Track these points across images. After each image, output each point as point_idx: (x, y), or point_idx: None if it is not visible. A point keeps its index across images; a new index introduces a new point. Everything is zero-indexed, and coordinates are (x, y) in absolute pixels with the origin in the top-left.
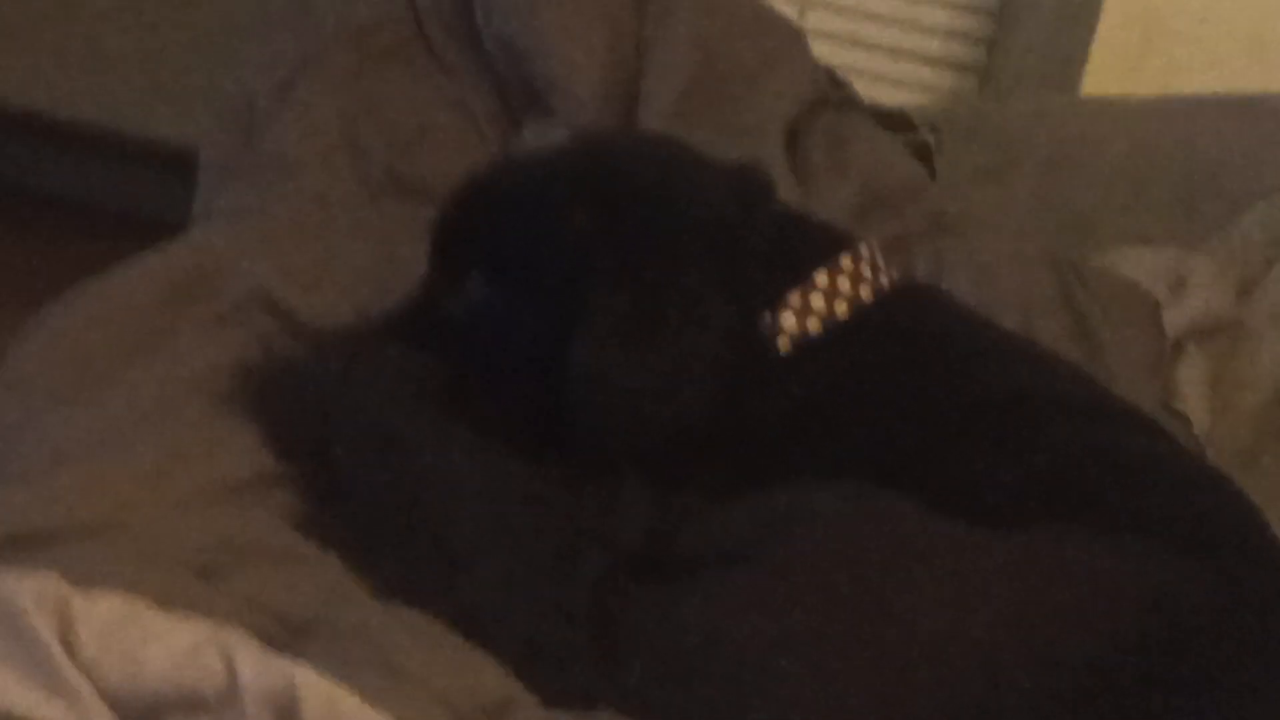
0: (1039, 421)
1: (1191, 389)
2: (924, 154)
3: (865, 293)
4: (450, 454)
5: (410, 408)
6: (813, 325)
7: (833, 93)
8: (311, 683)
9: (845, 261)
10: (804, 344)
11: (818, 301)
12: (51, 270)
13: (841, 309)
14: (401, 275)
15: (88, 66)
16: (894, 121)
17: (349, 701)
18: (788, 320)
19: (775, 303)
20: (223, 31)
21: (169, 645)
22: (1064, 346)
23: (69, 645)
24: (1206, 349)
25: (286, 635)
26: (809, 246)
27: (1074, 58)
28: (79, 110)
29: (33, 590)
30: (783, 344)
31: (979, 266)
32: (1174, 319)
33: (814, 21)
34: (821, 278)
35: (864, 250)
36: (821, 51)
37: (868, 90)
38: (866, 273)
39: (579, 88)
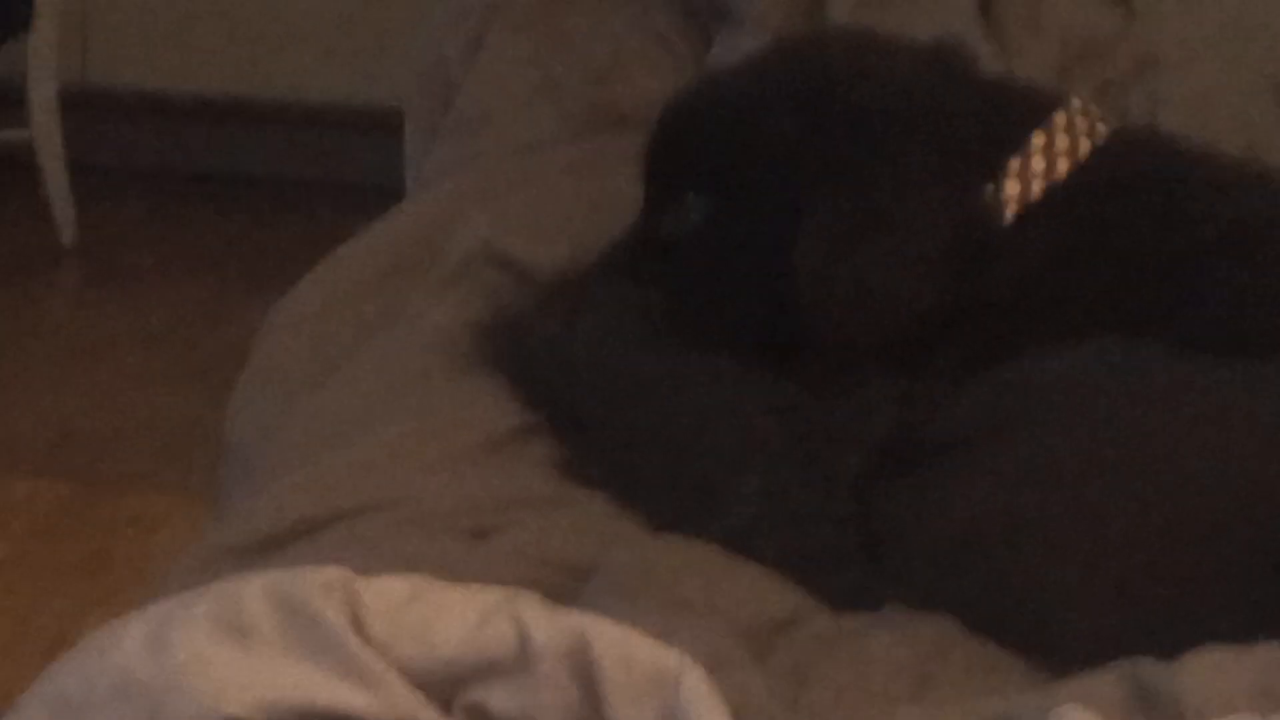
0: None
1: None
2: None
3: (1084, 147)
4: (688, 383)
5: (639, 345)
6: (1036, 188)
7: None
8: (602, 632)
9: (1059, 119)
10: (1029, 209)
11: (1038, 164)
12: (288, 250)
13: (1063, 167)
14: (619, 208)
15: (276, 45)
16: None
17: (642, 644)
18: (1011, 188)
19: (995, 173)
20: None
21: (459, 617)
22: None
23: (363, 632)
24: None
25: (571, 582)
26: (1019, 111)
27: None
28: (273, 89)
29: (320, 584)
30: (1010, 213)
31: (1194, 99)
32: None
33: None
34: (1038, 139)
35: (1075, 104)
36: None
37: None
38: (1082, 125)
39: None
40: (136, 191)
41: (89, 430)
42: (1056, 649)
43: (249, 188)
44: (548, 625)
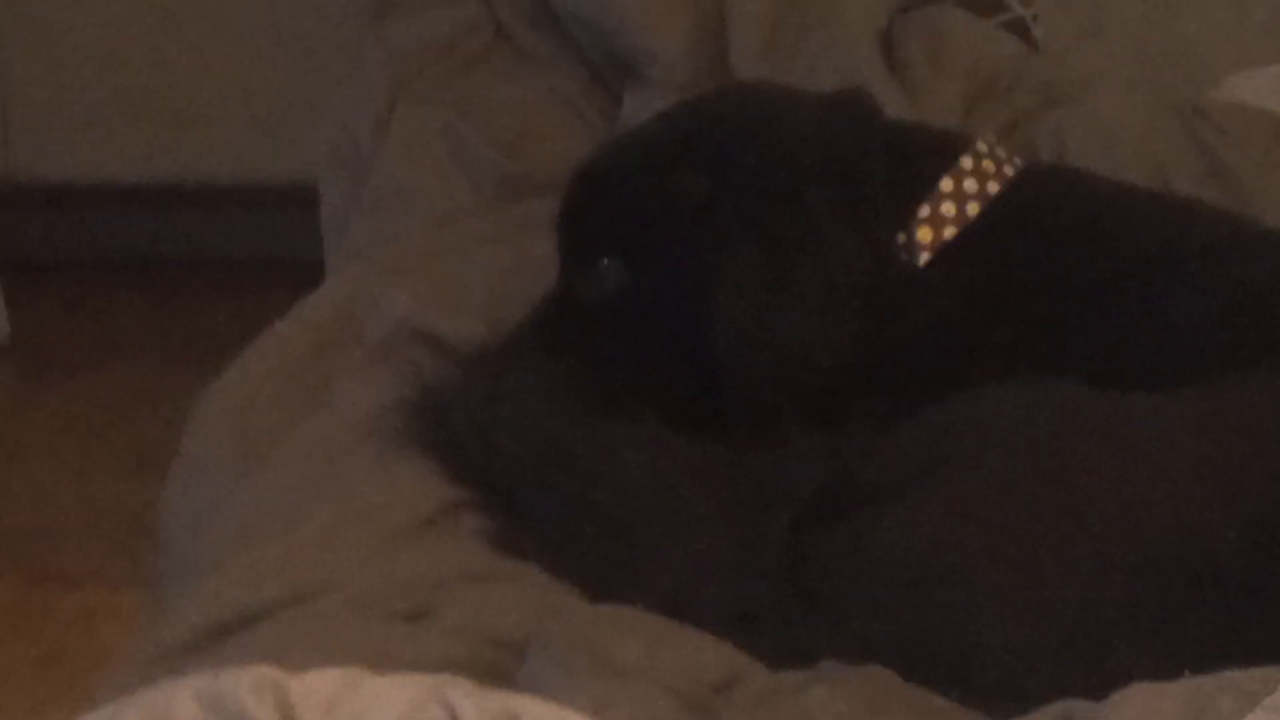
0: (1193, 268)
1: None
2: (1019, 30)
3: (993, 188)
4: (612, 451)
5: (560, 416)
6: (948, 233)
7: None
8: (534, 712)
9: (966, 162)
10: (942, 253)
11: (948, 208)
12: (220, 330)
13: (973, 209)
14: (538, 275)
15: (191, 128)
16: (984, 5)
17: None
18: (923, 234)
19: (906, 221)
20: (317, 65)
21: (390, 706)
22: (1201, 190)
23: None
24: None
25: (508, 658)
26: (926, 157)
27: None
28: (193, 172)
29: (249, 684)
30: (923, 259)
31: (1100, 130)
32: None
33: None
34: (946, 184)
35: (981, 146)
36: None
37: None
38: (990, 167)
39: (667, 51)
40: (64, 283)
41: (33, 527)
42: (990, 691)
43: (175, 272)
44: (478, 708)
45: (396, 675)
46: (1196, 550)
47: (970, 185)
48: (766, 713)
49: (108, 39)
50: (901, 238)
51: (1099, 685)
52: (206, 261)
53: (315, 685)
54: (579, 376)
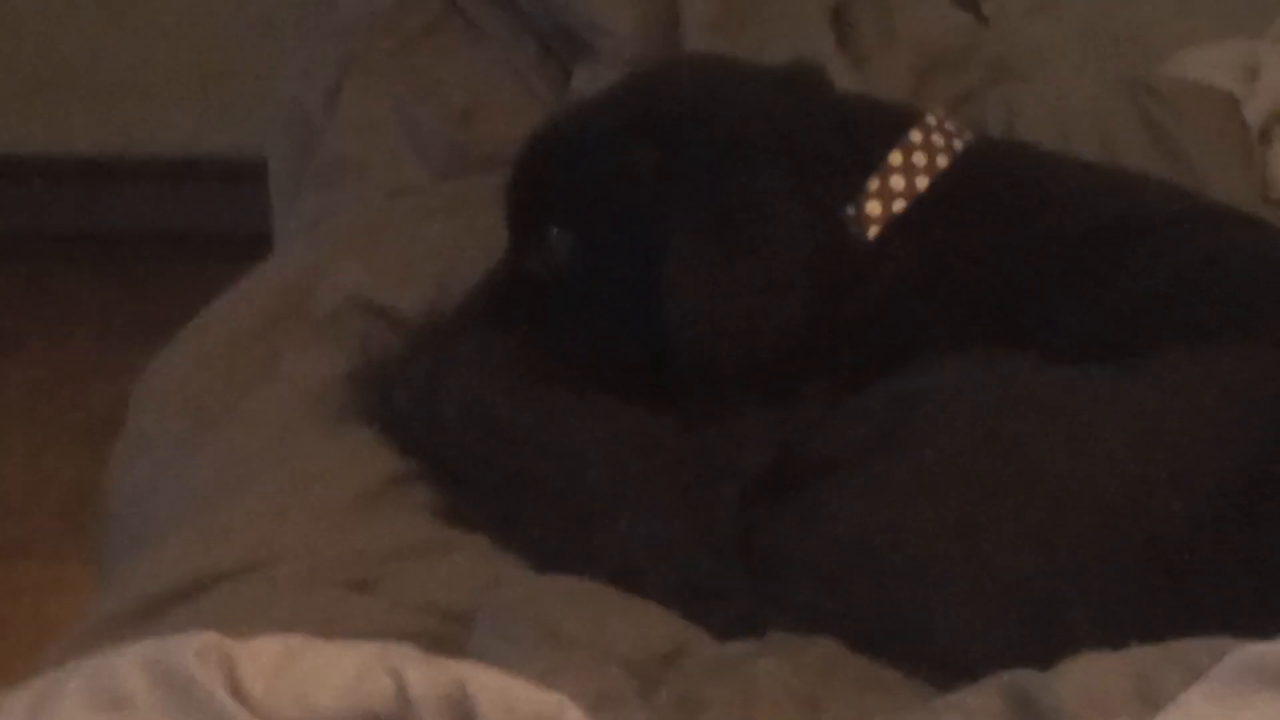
0: (1142, 242)
1: None
2: (970, 5)
3: (942, 161)
4: (558, 424)
5: (504, 390)
6: (897, 207)
7: None
8: (481, 680)
9: (915, 135)
10: (891, 227)
11: (898, 182)
12: (165, 304)
13: (922, 183)
14: (486, 247)
15: (136, 100)
16: None
17: (521, 689)
18: (872, 208)
19: (855, 194)
20: (264, 37)
21: (336, 673)
22: (1150, 165)
23: (240, 695)
24: None
25: (455, 628)
26: (876, 130)
27: None
28: (137, 144)
29: (195, 649)
30: (872, 233)
31: (1049, 104)
32: (1255, 109)
33: None
34: (895, 157)
35: (930, 120)
36: None
37: None
38: (939, 141)
39: (618, 23)
40: (8, 257)
41: None
42: (939, 661)
43: (121, 246)
44: (426, 676)
45: (344, 643)
46: (1144, 522)
47: (919, 159)
48: (714, 683)
49: (52, 9)
50: (851, 211)
51: (1047, 657)
52: (154, 235)
53: (261, 652)
54: (524, 349)
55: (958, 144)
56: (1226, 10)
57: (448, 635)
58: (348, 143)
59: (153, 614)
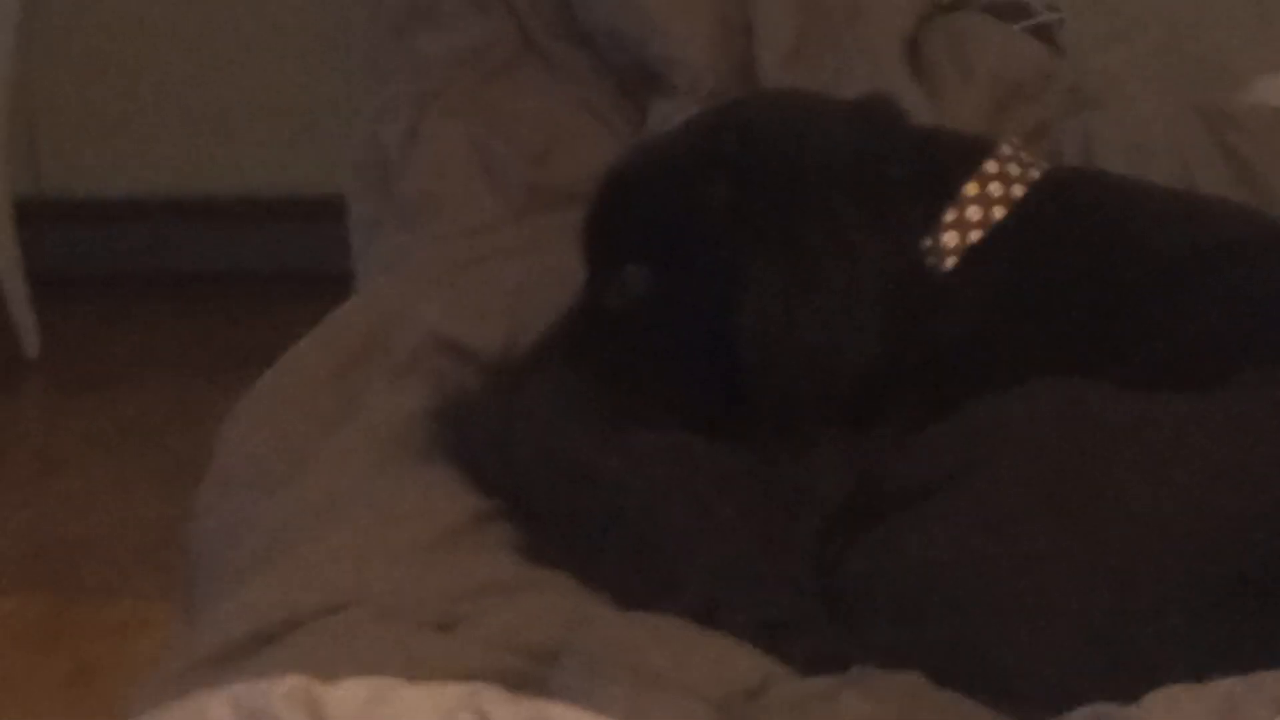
0: (1222, 271)
1: None
2: (1045, 35)
3: (1018, 191)
4: (635, 461)
5: (582, 427)
6: (974, 237)
7: None
8: (566, 717)
9: (990, 166)
10: (968, 257)
11: (974, 213)
12: (249, 343)
13: (999, 213)
14: (562, 285)
15: (220, 140)
16: (1010, 10)
17: None
18: (949, 239)
19: (931, 226)
20: (344, 75)
21: (422, 715)
22: (1228, 192)
23: None
24: None
25: (538, 668)
26: (951, 162)
27: None
28: (221, 185)
29: (283, 694)
30: (950, 264)
31: (1126, 133)
32: None
33: None
34: (971, 188)
35: (1006, 150)
36: None
37: None
38: (1014, 171)
39: (693, 58)
40: (95, 297)
41: (65, 540)
42: (1021, 697)
43: (205, 285)
44: (511, 714)
45: (428, 684)
46: (1226, 555)
47: (995, 189)
48: (798, 717)
49: (136, 51)
50: (928, 243)
51: (1131, 690)
52: (237, 275)
53: (348, 695)
54: (599, 386)
55: (1033, 174)
56: None
57: (532, 674)
58: (426, 181)
59: (239, 656)
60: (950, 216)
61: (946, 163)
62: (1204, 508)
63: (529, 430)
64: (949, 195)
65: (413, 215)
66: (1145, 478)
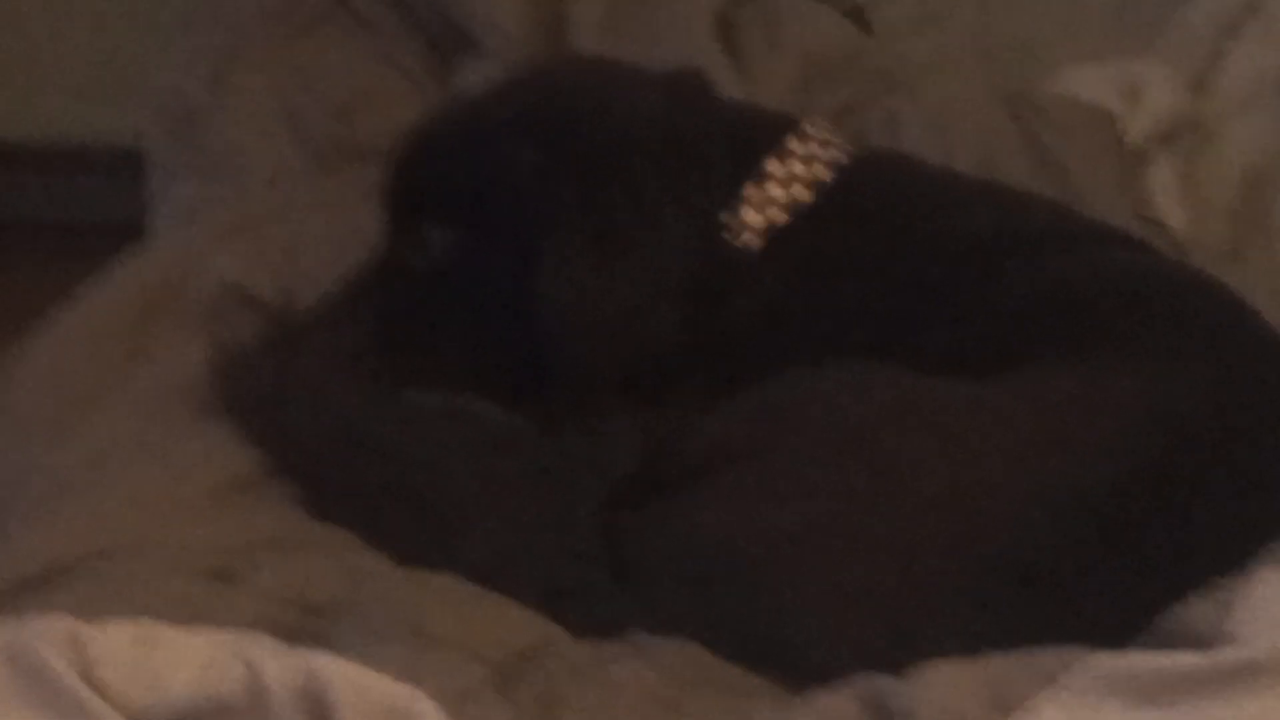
0: (1019, 257)
1: (1163, 194)
2: (858, 17)
3: (821, 171)
4: (416, 426)
5: (357, 387)
6: (775, 215)
7: None
8: (336, 670)
9: (793, 143)
10: (771, 236)
11: (775, 190)
12: (27, 296)
13: (801, 192)
14: (365, 241)
15: (6, 86)
16: None
17: (375, 680)
18: (750, 216)
19: (733, 201)
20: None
21: (188, 660)
22: (1030, 181)
23: (91, 680)
24: (1171, 152)
25: (313, 621)
26: (756, 137)
27: None
28: (16, 128)
29: (47, 634)
30: (749, 240)
31: (932, 117)
32: (1134, 128)
33: None
34: (773, 165)
35: (809, 128)
36: None
37: None
38: (818, 150)
39: (504, 21)
40: None
41: None
42: (797, 667)
43: None
44: (279, 665)
45: (198, 630)
46: (1008, 537)
47: (799, 169)
48: (575, 682)
49: None
50: (727, 218)
51: (907, 664)
52: (21, 222)
53: (113, 637)
54: (381, 346)
55: (840, 155)
56: (1113, 27)
57: (309, 628)
58: (229, 132)
59: (10, 600)
60: (750, 192)
61: (750, 138)
62: (989, 492)
63: (301, 389)
64: (751, 171)
65: (214, 164)
66: (930, 458)
